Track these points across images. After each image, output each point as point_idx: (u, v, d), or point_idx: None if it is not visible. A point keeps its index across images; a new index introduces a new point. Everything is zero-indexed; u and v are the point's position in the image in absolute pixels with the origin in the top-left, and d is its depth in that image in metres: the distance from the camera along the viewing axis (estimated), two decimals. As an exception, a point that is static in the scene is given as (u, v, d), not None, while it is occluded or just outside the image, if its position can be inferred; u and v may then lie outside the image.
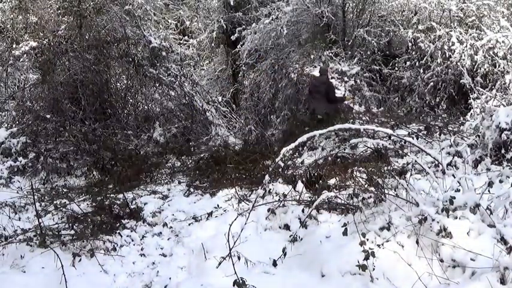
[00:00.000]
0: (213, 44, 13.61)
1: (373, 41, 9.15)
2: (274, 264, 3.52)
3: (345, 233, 3.41)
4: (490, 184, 3.53)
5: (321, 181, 5.11)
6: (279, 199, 4.48)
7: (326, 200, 4.53)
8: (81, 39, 8.61)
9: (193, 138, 8.24)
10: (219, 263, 3.53)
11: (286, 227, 4.08)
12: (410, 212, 3.52)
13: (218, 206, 4.77)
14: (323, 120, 6.94)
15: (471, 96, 7.96)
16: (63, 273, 3.40)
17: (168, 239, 4.33)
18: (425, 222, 3.29)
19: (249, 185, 5.40)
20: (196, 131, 8.47)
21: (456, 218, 3.25)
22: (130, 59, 8.60)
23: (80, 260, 3.75)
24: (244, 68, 11.48)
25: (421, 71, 8.72)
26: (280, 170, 5.63)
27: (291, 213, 4.20)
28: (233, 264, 3.39)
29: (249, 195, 5.00)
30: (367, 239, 3.22)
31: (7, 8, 11.31)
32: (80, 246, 3.91)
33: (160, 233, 4.43)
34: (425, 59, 8.67)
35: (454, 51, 8.36)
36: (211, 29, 13.13)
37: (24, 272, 3.57)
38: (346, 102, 8.17)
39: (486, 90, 7.82)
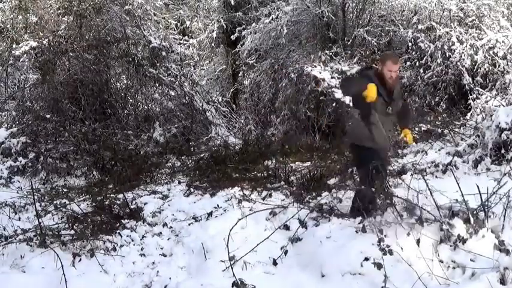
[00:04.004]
0: (213, 44, 13.61)
1: (373, 41, 9.15)
2: (274, 263, 3.52)
3: (363, 230, 3.47)
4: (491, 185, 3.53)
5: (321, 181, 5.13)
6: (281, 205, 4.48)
7: (326, 201, 4.55)
8: (81, 39, 8.61)
9: (193, 138, 8.25)
10: (219, 263, 3.52)
11: (286, 227, 4.09)
12: (410, 212, 3.52)
13: (218, 206, 4.77)
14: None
15: (471, 96, 7.97)
16: (63, 273, 3.39)
17: (168, 239, 4.32)
18: (425, 222, 3.29)
19: (249, 184, 5.40)
20: (196, 131, 8.48)
21: (456, 218, 3.25)
22: (130, 59, 8.61)
23: (80, 260, 3.75)
24: (244, 68, 11.49)
25: (421, 71, 8.72)
26: (280, 170, 5.66)
27: (290, 214, 4.20)
28: (232, 265, 3.39)
29: (249, 195, 5.00)
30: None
31: (7, 8, 11.31)
32: (80, 246, 3.91)
33: (160, 233, 4.42)
34: (425, 59, 8.67)
35: (454, 51, 8.36)
36: (211, 29, 13.14)
37: (24, 272, 3.57)
38: None
39: (486, 90, 7.82)
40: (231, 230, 3.67)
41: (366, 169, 3.84)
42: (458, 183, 3.47)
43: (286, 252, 3.55)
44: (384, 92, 3.87)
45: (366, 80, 3.85)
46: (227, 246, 3.49)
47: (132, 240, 4.22)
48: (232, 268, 3.32)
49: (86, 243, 3.94)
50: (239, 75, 12.45)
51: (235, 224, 3.82)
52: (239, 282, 3.16)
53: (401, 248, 3.16)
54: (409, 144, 4.39)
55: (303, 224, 4.02)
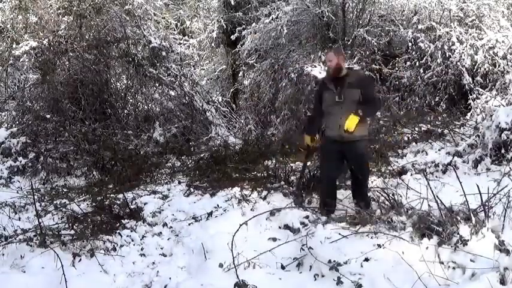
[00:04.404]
0: (213, 44, 13.61)
1: (373, 41, 9.15)
2: (282, 267, 3.52)
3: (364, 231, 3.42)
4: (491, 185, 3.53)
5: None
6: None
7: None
8: (81, 39, 8.61)
9: (193, 138, 8.25)
10: (219, 263, 3.52)
11: (287, 227, 4.09)
12: (411, 212, 3.52)
13: (218, 206, 4.77)
14: None
15: (471, 96, 7.97)
16: (63, 273, 3.39)
17: (168, 239, 4.32)
18: (425, 222, 3.29)
19: (249, 184, 5.40)
20: (196, 131, 8.47)
21: (457, 218, 3.25)
22: (130, 59, 8.60)
23: (80, 260, 3.75)
24: (244, 68, 11.49)
25: (421, 71, 8.72)
26: (280, 170, 5.66)
27: (291, 214, 4.20)
28: (235, 266, 3.39)
29: (249, 195, 5.00)
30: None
31: (7, 8, 11.30)
32: (80, 246, 3.91)
33: (160, 233, 4.42)
34: (425, 59, 8.67)
35: (454, 51, 8.36)
36: (211, 29, 13.14)
37: (24, 272, 3.56)
38: None
39: (486, 90, 7.82)
40: (234, 236, 3.68)
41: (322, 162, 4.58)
42: (461, 183, 3.47)
43: (298, 265, 3.53)
44: (331, 84, 4.31)
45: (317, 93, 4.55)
46: (231, 250, 3.51)
47: (132, 240, 4.21)
48: (236, 270, 3.32)
49: (86, 243, 3.94)
50: (239, 75, 12.45)
51: (237, 230, 3.82)
52: (241, 283, 3.17)
53: (402, 252, 3.16)
54: (346, 128, 4.10)
55: (303, 224, 4.03)
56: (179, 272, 3.69)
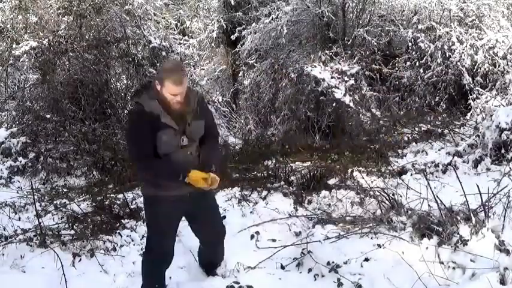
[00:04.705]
0: (213, 44, 13.62)
1: (373, 41, 9.15)
2: (282, 267, 3.52)
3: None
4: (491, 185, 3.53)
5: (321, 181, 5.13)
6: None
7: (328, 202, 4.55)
8: (81, 39, 8.62)
9: (194, 138, 8.24)
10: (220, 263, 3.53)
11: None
12: (411, 212, 3.52)
13: (218, 206, 4.77)
14: None
15: (471, 96, 7.97)
16: (63, 273, 3.39)
17: (168, 239, 4.32)
18: (425, 222, 3.29)
19: (249, 184, 5.40)
20: (197, 130, 8.47)
21: (457, 218, 3.25)
22: (131, 59, 8.61)
23: (80, 260, 3.74)
24: (244, 68, 11.49)
25: (421, 71, 8.72)
26: (280, 170, 5.67)
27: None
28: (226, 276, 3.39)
29: (249, 195, 5.00)
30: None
31: (7, 8, 11.30)
32: (80, 246, 3.91)
33: (161, 233, 4.42)
34: (425, 59, 8.67)
35: (454, 51, 8.36)
36: (211, 29, 13.15)
37: (24, 272, 3.56)
38: None
39: (486, 90, 7.83)
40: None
41: (150, 233, 3.11)
42: (461, 183, 3.47)
43: (298, 265, 3.52)
44: (170, 120, 2.73)
45: (139, 119, 2.74)
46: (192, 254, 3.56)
47: (132, 240, 4.21)
48: (223, 276, 3.33)
49: (86, 243, 3.94)
50: (239, 75, 12.44)
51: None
52: (236, 286, 3.18)
53: (402, 252, 3.16)
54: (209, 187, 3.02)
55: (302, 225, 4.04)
56: (179, 272, 3.69)
